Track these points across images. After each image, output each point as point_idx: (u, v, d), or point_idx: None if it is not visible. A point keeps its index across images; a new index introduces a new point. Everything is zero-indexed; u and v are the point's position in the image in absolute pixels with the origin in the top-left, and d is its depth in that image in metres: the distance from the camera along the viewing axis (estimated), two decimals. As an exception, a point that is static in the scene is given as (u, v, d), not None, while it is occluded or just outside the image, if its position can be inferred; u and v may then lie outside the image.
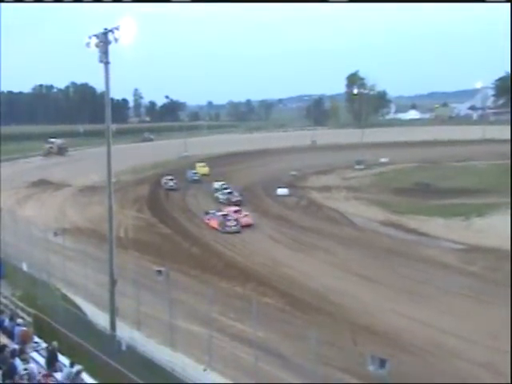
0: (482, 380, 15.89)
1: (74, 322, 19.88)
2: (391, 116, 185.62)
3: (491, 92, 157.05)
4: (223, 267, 30.48)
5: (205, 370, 17.76)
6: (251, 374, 16.65)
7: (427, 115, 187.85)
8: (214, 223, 39.56)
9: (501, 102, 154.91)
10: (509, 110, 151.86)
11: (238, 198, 49.39)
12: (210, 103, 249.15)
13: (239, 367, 17.77)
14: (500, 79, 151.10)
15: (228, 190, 51.43)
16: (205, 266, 30.47)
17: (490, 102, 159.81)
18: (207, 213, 41.81)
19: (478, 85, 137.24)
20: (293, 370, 17.62)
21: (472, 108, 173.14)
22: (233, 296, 25.08)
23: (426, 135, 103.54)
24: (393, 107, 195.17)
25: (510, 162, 65.92)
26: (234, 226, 38.29)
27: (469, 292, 25.28)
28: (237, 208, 43.05)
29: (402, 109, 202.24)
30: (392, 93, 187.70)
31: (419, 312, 23.05)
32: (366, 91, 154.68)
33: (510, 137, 69.53)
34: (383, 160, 75.63)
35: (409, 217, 41.19)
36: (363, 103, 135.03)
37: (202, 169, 69.62)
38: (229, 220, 38.74)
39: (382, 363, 13.69)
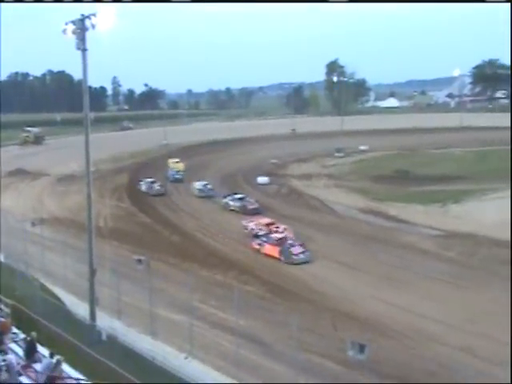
0: (460, 362, 16.18)
1: (53, 313, 19.72)
2: (370, 104, 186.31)
3: (468, 80, 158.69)
4: (204, 256, 30.45)
5: (186, 358, 17.79)
6: (233, 361, 16.73)
7: (406, 103, 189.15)
8: (273, 251, 29.72)
9: (477, 89, 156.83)
10: (485, 97, 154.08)
11: (256, 206, 41.44)
12: (189, 91, 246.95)
13: (221, 355, 17.84)
14: (477, 67, 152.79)
15: (239, 196, 43.01)
16: (185, 255, 30.40)
17: (467, 90, 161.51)
18: (256, 236, 31.95)
19: (456, 73, 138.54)
20: (274, 356, 17.76)
21: (450, 96, 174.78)
22: (214, 284, 25.12)
23: (404, 123, 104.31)
24: (372, 95, 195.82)
25: (486, 148, 67.09)
26: (302, 253, 28.87)
27: (446, 277, 25.67)
28: (268, 220, 34.69)
29: (381, 97, 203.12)
30: (371, 81, 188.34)
31: (398, 297, 23.38)
32: (345, 79, 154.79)
33: (491, 124, 70.45)
34: (363, 148, 76.03)
35: (388, 204, 41.57)
36: (343, 91, 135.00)
37: (175, 165, 61.59)
38: (293, 246, 29.35)
39: (362, 348, 13.88)
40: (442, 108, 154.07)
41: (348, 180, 53.60)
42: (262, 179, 54.33)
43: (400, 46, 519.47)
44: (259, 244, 30.91)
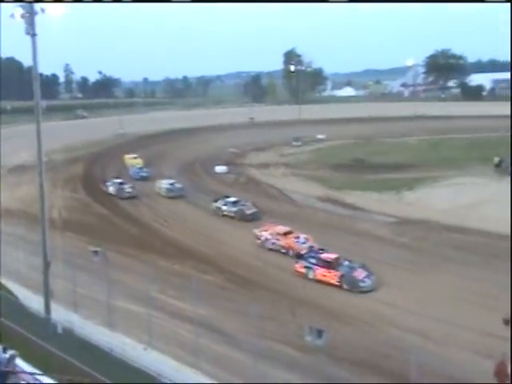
0: (413, 344, 16.67)
1: (6, 307, 19.17)
2: (327, 93, 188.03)
3: (422, 69, 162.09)
4: (162, 246, 30.22)
5: (145, 349, 17.68)
6: (192, 350, 16.73)
7: (362, 92, 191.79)
8: (330, 277, 23.92)
9: (430, 79, 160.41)
10: (437, 86, 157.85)
11: (254, 210, 36.07)
12: (145, 80, 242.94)
13: (180, 345, 17.81)
14: (430, 57, 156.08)
15: (232, 199, 37.24)
16: (143, 246, 30.09)
17: (420, 80, 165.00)
18: (300, 256, 25.92)
19: (409, 62, 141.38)
20: (234, 345, 17.86)
21: (404, 85, 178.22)
22: (172, 274, 25.00)
23: (360, 112, 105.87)
24: (329, 84, 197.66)
25: (438, 137, 68.99)
26: (366, 277, 23.68)
27: (400, 262, 26.34)
28: (285, 229, 29.67)
29: (337, 86, 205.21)
30: (328, 70, 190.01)
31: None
32: (302, 68, 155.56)
33: (444, 113, 72.24)
34: (320, 136, 76.73)
35: (345, 192, 42.18)
36: (300, 80, 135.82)
37: (133, 161, 56.56)
38: (353, 269, 24.04)
39: (319, 334, 14.13)
40: (397, 97, 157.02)
41: (306, 169, 54.01)
42: (220, 168, 54.15)
43: (356, 36, 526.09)
44: (306, 267, 24.78)
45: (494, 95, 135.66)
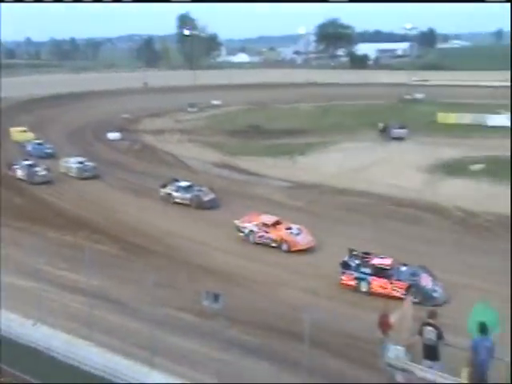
0: (306, 303, 17.41)
1: None
2: (222, 59, 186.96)
3: (313, 38, 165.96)
4: (53, 217, 28.69)
5: (34, 324, 16.79)
6: (86, 323, 16.17)
7: (256, 58, 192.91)
8: (393, 288, 19.22)
9: (321, 47, 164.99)
10: (328, 54, 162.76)
11: (213, 196, 31.30)
12: (28, 39, 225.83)
13: (72, 317, 17.09)
14: (320, 26, 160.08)
15: (185, 183, 32.13)
16: (33, 218, 28.36)
17: (312, 48, 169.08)
18: (347, 265, 20.30)
19: (301, 30, 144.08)
20: (129, 314, 17.51)
21: (296, 52, 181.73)
22: (63, 245, 23.90)
23: (255, 78, 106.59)
24: (223, 50, 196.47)
25: (328, 103, 71.52)
26: (434, 284, 19.23)
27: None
28: (273, 219, 25.37)
29: (232, 52, 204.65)
30: (222, 36, 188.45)
31: (251, 249, 24.36)
32: (197, 33, 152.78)
33: (333, 81, 74.78)
34: (216, 102, 76.55)
35: (240, 158, 42.61)
36: (195, 45, 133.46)
37: (23, 135, 49.67)
38: (419, 276, 19.42)
39: (216, 298, 14.24)
40: (290, 64, 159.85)
41: (202, 135, 53.72)
42: (112, 135, 52.16)
43: (250, 3, 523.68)
44: (358, 279, 19.96)
45: (378, 64, 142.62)
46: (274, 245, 24.29)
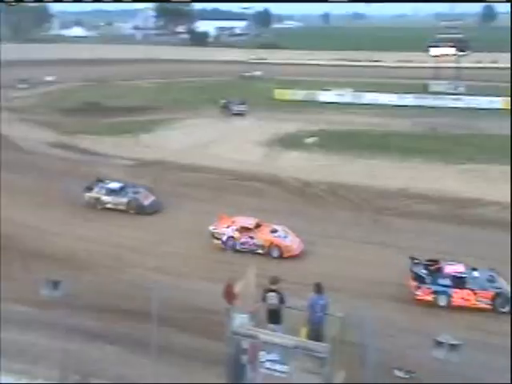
0: (153, 281, 17.29)
1: None
2: (55, 32, 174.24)
3: (152, 13, 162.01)
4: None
5: None
6: None
7: (93, 33, 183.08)
8: (477, 299, 17.09)
9: (161, 23, 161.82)
10: (168, 31, 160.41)
11: (153, 199, 26.84)
12: None
13: None
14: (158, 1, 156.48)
15: (118, 185, 27.28)
16: None
17: (151, 23, 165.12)
18: (419, 277, 17.60)
19: (139, 5, 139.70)
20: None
21: (136, 28, 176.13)
22: None
23: (92, 53, 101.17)
24: (56, 23, 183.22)
25: (170, 80, 70.95)
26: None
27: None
28: (253, 221, 21.92)
29: (66, 25, 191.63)
30: (54, 7, 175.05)
31: (97, 232, 23.54)
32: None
33: (174, 57, 73.74)
34: (49, 78, 71.42)
35: (79, 137, 40.55)
36: (22, 16, 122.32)
37: None
38: (499, 282, 17.43)
39: (56, 285, 13.52)
40: (129, 40, 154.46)
41: (35, 113, 49.99)
42: None
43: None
44: (436, 292, 17.35)
45: (218, 42, 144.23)
46: (260, 251, 20.99)
